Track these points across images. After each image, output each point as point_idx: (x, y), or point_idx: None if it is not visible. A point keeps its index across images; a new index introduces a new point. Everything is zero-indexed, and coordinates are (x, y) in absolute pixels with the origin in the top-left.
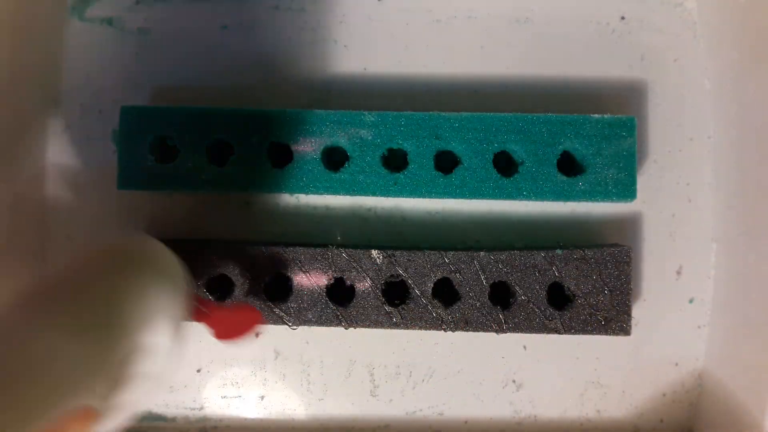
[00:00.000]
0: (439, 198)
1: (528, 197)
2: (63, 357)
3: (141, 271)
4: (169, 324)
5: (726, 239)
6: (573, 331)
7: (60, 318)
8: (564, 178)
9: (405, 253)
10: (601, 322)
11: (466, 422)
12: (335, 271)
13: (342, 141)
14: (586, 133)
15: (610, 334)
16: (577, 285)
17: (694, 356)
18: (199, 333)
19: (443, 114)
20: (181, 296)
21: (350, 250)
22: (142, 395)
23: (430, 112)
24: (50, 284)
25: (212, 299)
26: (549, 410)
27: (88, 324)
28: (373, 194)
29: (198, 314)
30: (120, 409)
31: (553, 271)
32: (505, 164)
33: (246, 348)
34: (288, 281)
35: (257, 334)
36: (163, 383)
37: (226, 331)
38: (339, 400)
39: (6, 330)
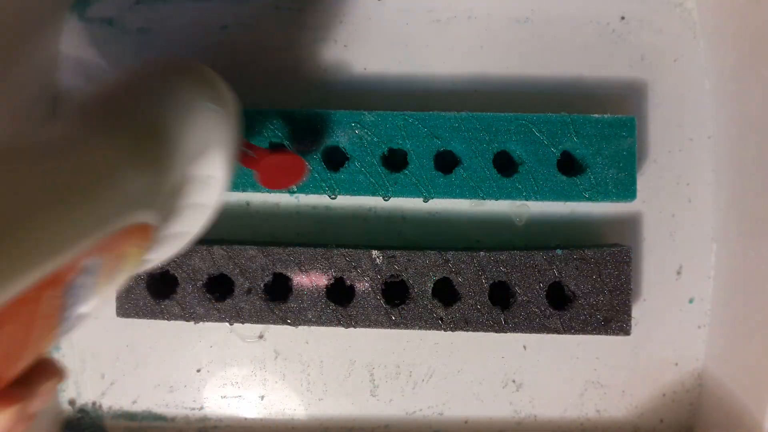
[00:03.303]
0: (439, 198)
1: (528, 197)
2: (121, 172)
3: (200, 89)
4: (223, 156)
5: (726, 239)
6: (573, 331)
7: (118, 137)
8: (564, 178)
9: (405, 253)
10: (601, 322)
11: (466, 422)
12: (335, 271)
13: (342, 141)
14: (586, 133)
15: (610, 334)
16: (577, 285)
17: (694, 356)
18: (199, 333)
19: (443, 114)
20: (235, 130)
21: (350, 250)
22: (193, 226)
23: (430, 112)
24: (108, 99)
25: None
26: (549, 410)
27: (145, 144)
28: (373, 194)
29: (245, 159)
30: (173, 239)
31: (553, 271)
32: (505, 164)
33: (246, 348)
34: (288, 281)
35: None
36: (213, 216)
37: (273, 179)
38: (339, 400)
39: (65, 143)
